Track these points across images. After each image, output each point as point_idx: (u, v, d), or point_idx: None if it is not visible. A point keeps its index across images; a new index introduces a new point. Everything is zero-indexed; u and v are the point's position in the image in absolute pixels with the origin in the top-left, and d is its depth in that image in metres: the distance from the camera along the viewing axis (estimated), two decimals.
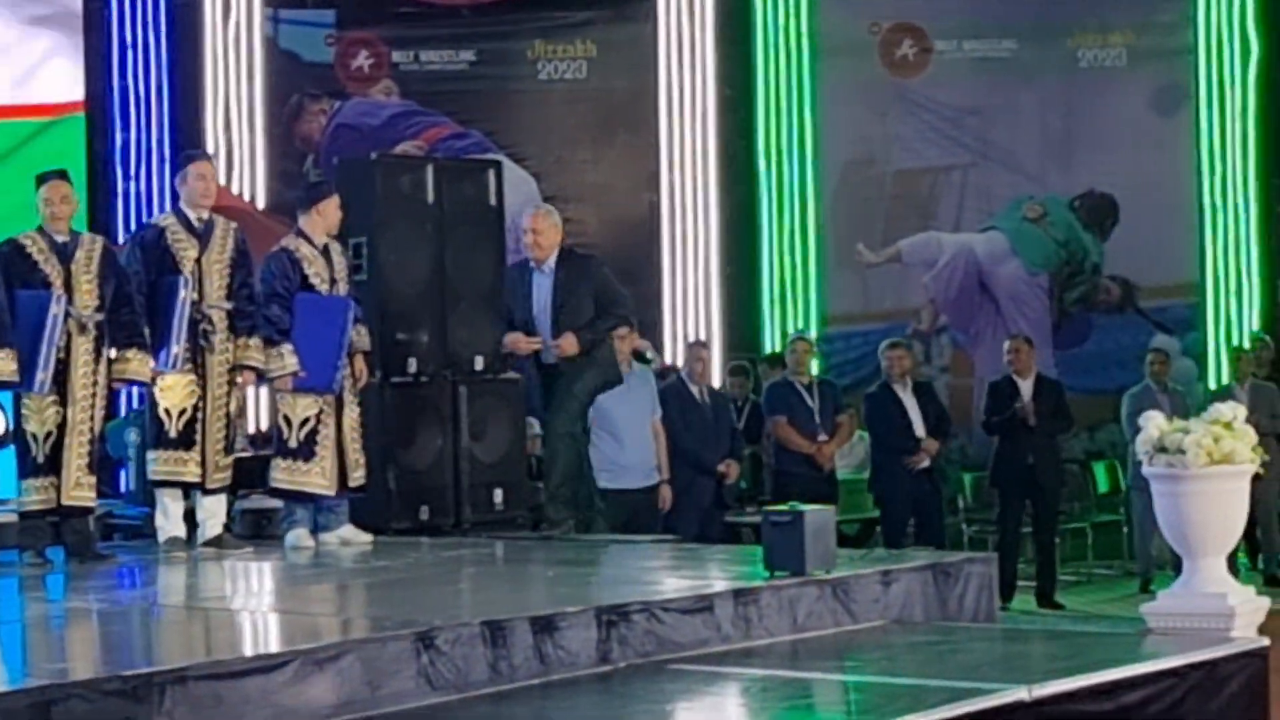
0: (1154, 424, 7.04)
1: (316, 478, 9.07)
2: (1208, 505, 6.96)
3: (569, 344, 9.49)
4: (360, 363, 9.21)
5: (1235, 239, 15.50)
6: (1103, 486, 14.35)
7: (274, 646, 5.88)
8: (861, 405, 12.36)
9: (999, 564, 10.55)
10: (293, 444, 9.06)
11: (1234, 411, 7.02)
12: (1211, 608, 6.95)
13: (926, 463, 11.93)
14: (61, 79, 13.66)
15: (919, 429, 11.93)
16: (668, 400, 10.92)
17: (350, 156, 11.74)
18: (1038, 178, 15.59)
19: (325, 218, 9.18)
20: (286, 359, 8.95)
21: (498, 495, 10.13)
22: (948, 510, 12.91)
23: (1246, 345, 14.58)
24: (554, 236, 9.73)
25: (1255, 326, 15.44)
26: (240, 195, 14.03)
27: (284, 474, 9.10)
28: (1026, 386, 12.41)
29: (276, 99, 14.48)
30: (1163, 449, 6.96)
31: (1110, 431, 14.29)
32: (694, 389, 11.12)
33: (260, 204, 14.11)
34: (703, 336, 14.35)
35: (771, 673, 6.42)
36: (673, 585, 7.30)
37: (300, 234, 9.19)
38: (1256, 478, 7.20)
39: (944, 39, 15.55)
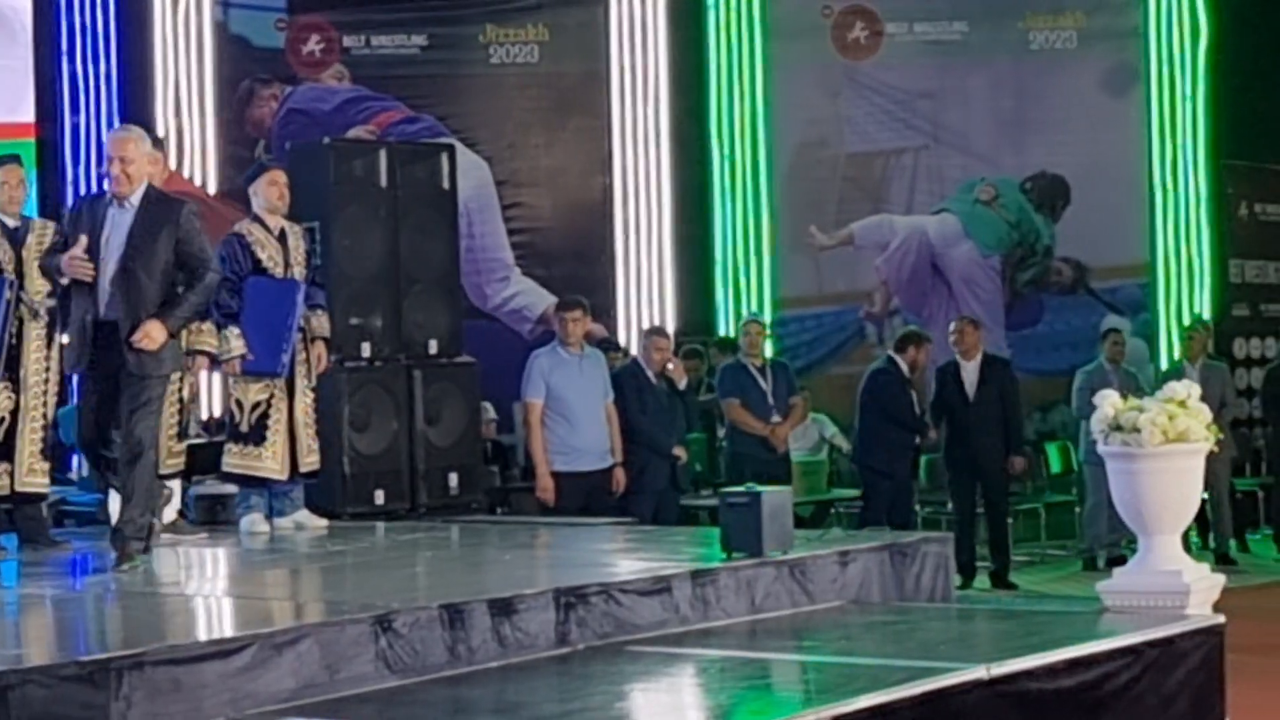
0: (1109, 403, 7.06)
1: (268, 462, 9.06)
2: (1163, 483, 6.99)
3: (155, 331, 7.64)
4: (319, 349, 9.17)
5: (1186, 219, 15.59)
6: (1055, 467, 14.41)
7: (231, 631, 5.85)
8: (863, 382, 12.34)
9: (958, 546, 10.68)
10: (244, 428, 9.05)
11: (1188, 390, 7.06)
12: (1167, 585, 6.98)
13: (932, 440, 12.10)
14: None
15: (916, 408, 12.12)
16: (623, 383, 10.92)
17: (302, 141, 11.69)
18: (989, 160, 15.64)
19: (259, 195, 9.13)
20: (233, 342, 8.92)
21: (453, 479, 10.14)
22: None
23: (1205, 321, 14.68)
24: (147, 168, 7.95)
25: (1206, 306, 15.54)
26: (191, 180, 13.95)
27: (236, 458, 9.09)
28: (971, 367, 12.44)
29: (227, 84, 14.40)
30: (1118, 427, 6.98)
31: (1062, 412, 14.36)
32: (649, 373, 11.11)
33: (211, 189, 14.04)
34: (656, 320, 14.35)
35: (729, 653, 6.42)
36: (630, 567, 7.29)
37: (255, 218, 9.15)
38: (1209, 456, 7.23)
39: (895, 21, 15.58)
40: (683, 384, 11.24)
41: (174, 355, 7.87)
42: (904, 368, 12.14)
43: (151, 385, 7.64)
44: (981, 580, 12.31)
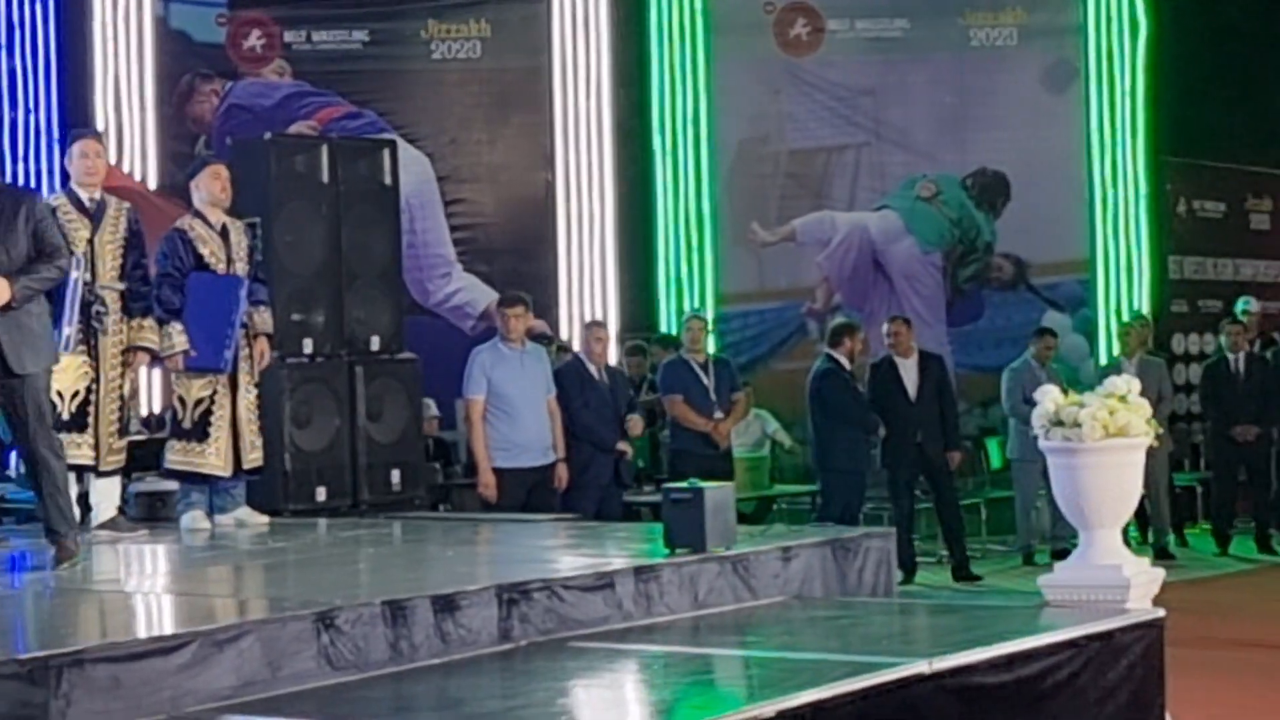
0: (1050, 398, 7.10)
1: (211, 458, 9.01)
2: (1103, 478, 7.02)
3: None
4: (262, 345, 9.14)
5: (1125, 216, 15.69)
6: (995, 462, 14.49)
7: (172, 628, 5.81)
8: (809, 384, 12.38)
9: (898, 542, 10.72)
10: (187, 425, 9.01)
11: (1128, 385, 7.10)
12: (1107, 579, 7.02)
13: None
14: None
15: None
16: (565, 379, 10.92)
17: (243, 137, 11.64)
18: (930, 156, 15.70)
19: (201, 190, 9.09)
20: (175, 339, 8.88)
21: (395, 476, 10.12)
22: None
23: (1144, 317, 14.79)
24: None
25: (1145, 302, 15.64)
26: (131, 176, 13.86)
27: (178, 455, 9.05)
28: (910, 365, 12.51)
29: (167, 79, 14.32)
30: (1059, 422, 7.02)
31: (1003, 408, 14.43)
32: (591, 368, 11.11)
33: (152, 185, 13.94)
34: (599, 316, 14.34)
35: (673, 649, 6.43)
36: (573, 563, 7.29)
37: (197, 214, 9.10)
38: (1147, 451, 7.28)
39: (837, 18, 15.62)
40: (603, 364, 11.22)
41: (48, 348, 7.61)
42: (845, 363, 12.19)
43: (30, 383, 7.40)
44: (940, 574, 12.37)
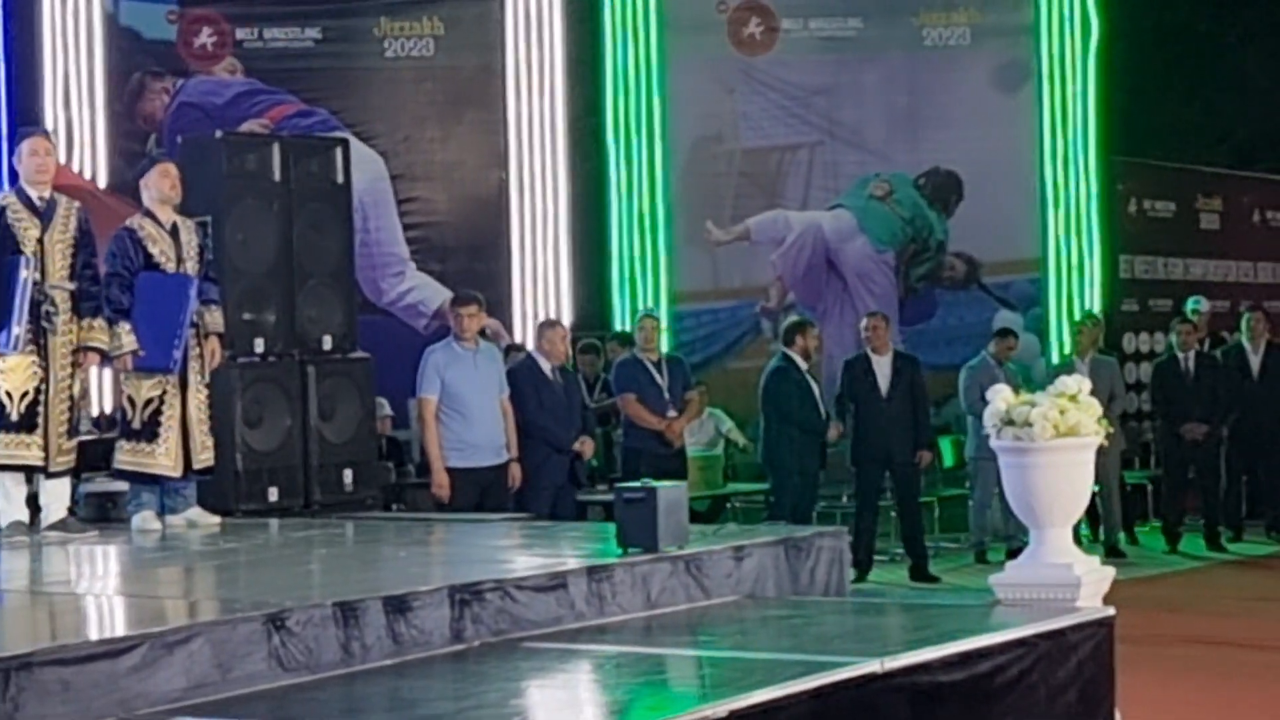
0: (1001, 397, 7.12)
1: (161, 459, 8.97)
2: (1054, 477, 7.05)
3: None
4: (213, 344, 9.09)
5: (1076, 215, 15.77)
6: (948, 461, 14.54)
7: (121, 631, 5.78)
8: (762, 382, 12.40)
9: (857, 540, 10.77)
10: (136, 425, 8.96)
11: (1079, 385, 7.12)
12: (1058, 578, 7.04)
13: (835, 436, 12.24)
14: None
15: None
16: (519, 379, 10.90)
17: (194, 135, 11.59)
18: (884, 156, 15.75)
19: (151, 188, 9.04)
20: (124, 338, 8.83)
21: (347, 476, 10.09)
22: None
23: (1094, 315, 14.86)
24: None
25: (1096, 301, 15.72)
26: (81, 174, 13.78)
27: (128, 455, 9.00)
28: (884, 362, 12.54)
29: (117, 77, 14.26)
30: (1010, 422, 7.05)
31: (955, 406, 14.47)
32: (545, 367, 11.10)
33: (102, 183, 13.88)
34: (552, 314, 14.34)
35: (626, 649, 6.43)
36: (526, 563, 7.28)
37: (147, 213, 9.05)
38: (1099, 450, 7.31)
39: (791, 18, 15.66)
40: (556, 363, 11.20)
41: None
42: (800, 361, 12.21)
43: None
44: (894, 573, 12.41)
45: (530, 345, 12.56)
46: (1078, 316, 15.12)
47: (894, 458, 12.43)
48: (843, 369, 12.71)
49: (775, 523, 11.40)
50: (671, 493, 7.42)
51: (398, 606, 6.20)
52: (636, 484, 7.56)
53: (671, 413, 11.76)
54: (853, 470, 12.64)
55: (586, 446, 11.10)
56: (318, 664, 5.91)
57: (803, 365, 12.24)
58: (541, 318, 13.96)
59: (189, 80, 14.53)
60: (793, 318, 13.25)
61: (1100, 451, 7.34)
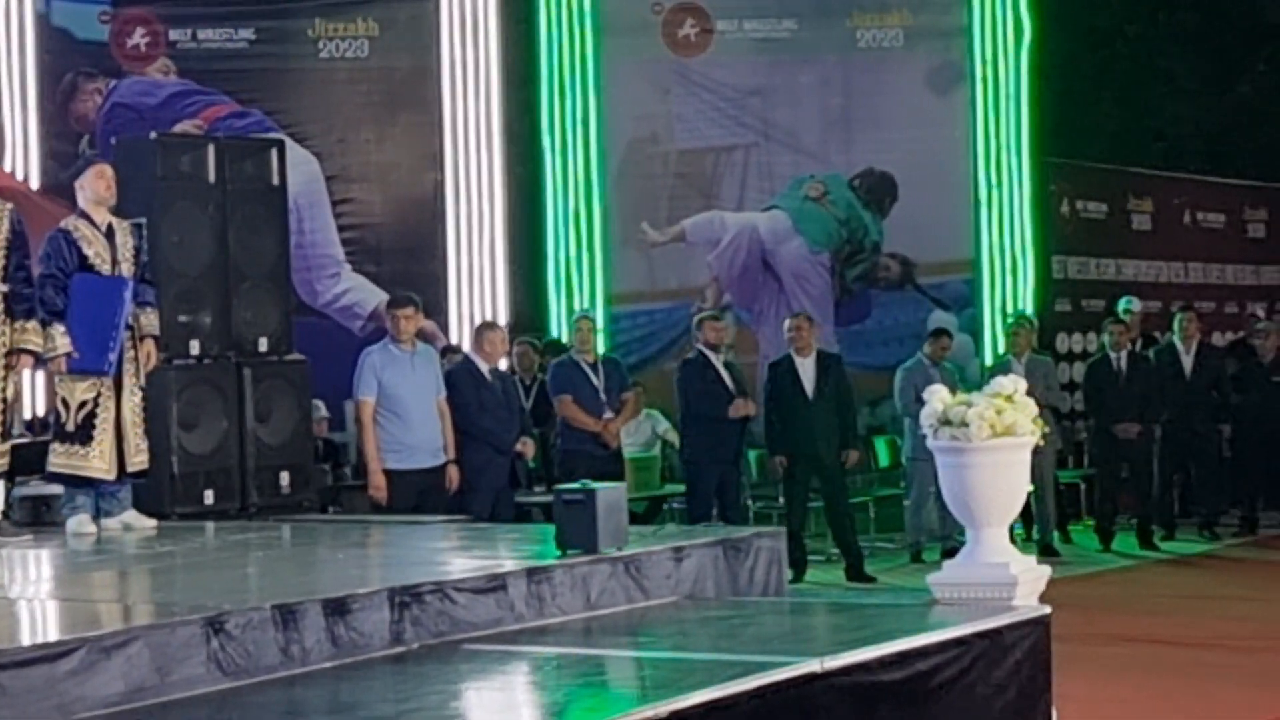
0: (938, 398, 7.16)
1: (95, 461, 8.92)
2: (991, 476, 7.09)
3: None
4: (149, 347, 9.05)
5: (1009, 216, 15.85)
6: (883, 461, 14.62)
7: (58, 634, 5.74)
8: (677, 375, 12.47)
9: (790, 541, 10.78)
10: (70, 427, 8.91)
11: (1015, 385, 7.17)
12: (995, 577, 7.09)
13: (751, 411, 12.15)
14: None
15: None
16: (458, 381, 10.89)
17: (128, 136, 11.52)
18: (818, 157, 15.80)
19: (86, 189, 9.00)
20: (58, 340, 8.78)
21: (284, 478, 10.07)
22: None
23: (1028, 316, 14.97)
24: None
25: (1029, 301, 15.82)
26: (13, 175, 13.67)
27: (62, 458, 8.95)
28: (808, 364, 12.58)
29: (49, 78, 14.14)
30: (947, 422, 7.09)
31: (890, 407, 14.54)
32: (483, 369, 11.10)
33: (34, 184, 13.76)
34: (489, 316, 14.32)
35: (565, 650, 6.44)
36: (465, 565, 7.27)
37: (82, 214, 9.00)
38: (1034, 450, 7.36)
39: (725, 19, 15.69)
40: (493, 365, 11.20)
41: None
42: (709, 352, 12.29)
43: None
44: (831, 573, 12.46)
45: (467, 347, 12.55)
46: (1011, 317, 15.23)
47: (821, 459, 12.46)
48: (767, 371, 12.75)
49: (694, 524, 11.42)
50: (611, 494, 7.44)
51: (337, 609, 6.19)
52: (575, 486, 7.57)
53: (608, 414, 11.78)
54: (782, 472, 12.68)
55: (528, 448, 11.11)
56: (257, 667, 5.90)
57: (714, 357, 12.30)
58: (478, 319, 13.94)
59: (122, 81, 14.42)
60: (700, 313, 13.32)
61: (1035, 451, 7.39)
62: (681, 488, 13.17)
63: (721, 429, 12.15)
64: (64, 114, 14.20)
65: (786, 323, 12.96)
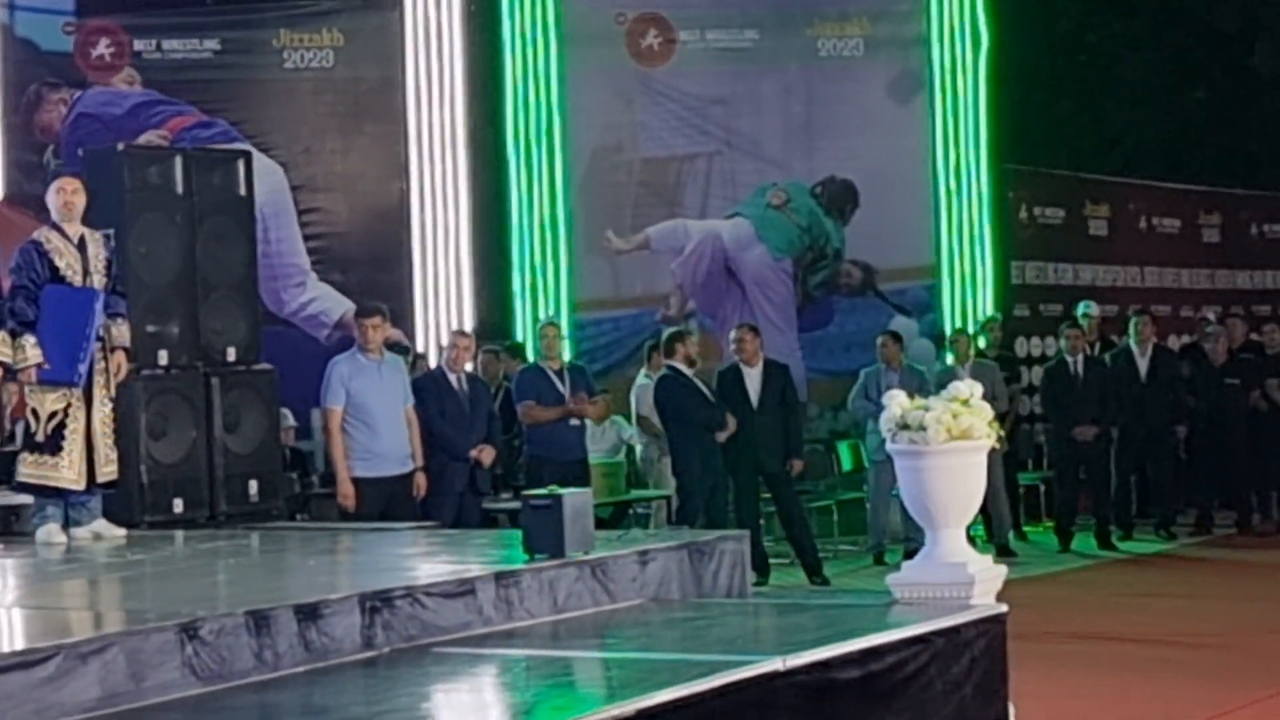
0: (896, 402, 7.29)
1: (65, 471, 8.97)
2: (948, 479, 7.22)
3: None
4: (119, 358, 9.11)
5: (969, 222, 16.01)
6: (846, 465, 14.74)
7: (33, 642, 5.82)
8: (653, 395, 12.55)
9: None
10: (40, 438, 8.97)
11: (971, 389, 7.31)
12: (953, 577, 7.21)
13: (732, 427, 12.27)
14: None
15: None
16: (424, 388, 10.98)
17: (96, 147, 11.57)
18: (781, 165, 15.92)
19: (50, 203, 9.07)
20: (29, 351, 8.83)
21: (253, 486, 10.11)
22: None
23: (965, 328, 15.14)
24: None
25: (989, 307, 15.98)
26: None
27: (31, 468, 9.00)
28: (755, 373, 12.66)
29: (14, 88, 14.18)
30: (905, 426, 7.22)
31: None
32: (451, 377, 11.19)
33: None
34: (454, 324, 14.40)
35: (533, 653, 6.53)
36: (434, 570, 7.36)
37: (54, 226, 9.06)
38: (989, 452, 7.50)
39: (688, 29, 15.80)
40: (463, 372, 11.28)
41: None
42: (684, 369, 12.37)
43: None
44: (793, 575, 12.55)
45: (433, 355, 12.63)
46: (975, 321, 15.40)
47: (765, 467, 12.52)
48: (716, 380, 12.83)
49: (679, 526, 11.54)
50: (577, 499, 7.54)
51: (309, 614, 6.27)
52: (542, 491, 7.67)
53: (574, 421, 11.89)
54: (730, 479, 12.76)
55: (485, 454, 11.14)
56: (231, 672, 5.98)
57: (688, 372, 12.38)
58: (444, 327, 14.02)
59: (87, 91, 14.46)
60: (668, 330, 13.39)
61: (990, 453, 7.52)
62: (647, 493, 13.28)
63: (711, 440, 12.27)
64: (29, 125, 14.23)
65: (732, 334, 13.04)
